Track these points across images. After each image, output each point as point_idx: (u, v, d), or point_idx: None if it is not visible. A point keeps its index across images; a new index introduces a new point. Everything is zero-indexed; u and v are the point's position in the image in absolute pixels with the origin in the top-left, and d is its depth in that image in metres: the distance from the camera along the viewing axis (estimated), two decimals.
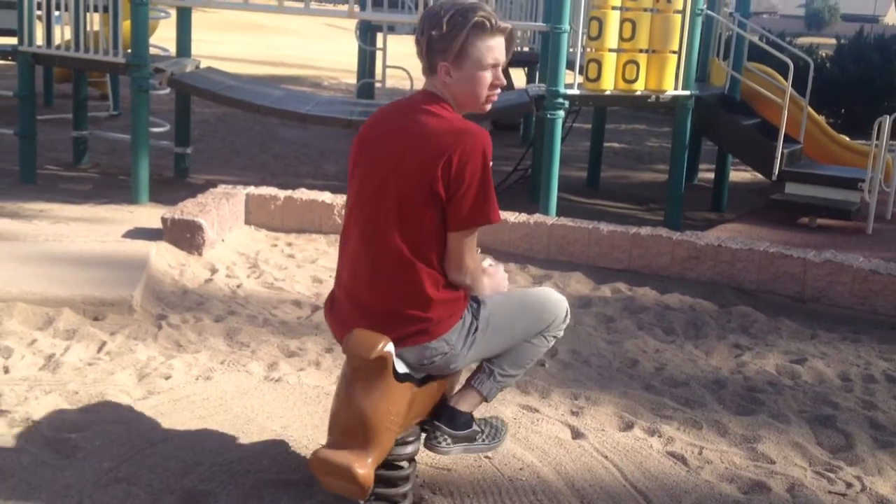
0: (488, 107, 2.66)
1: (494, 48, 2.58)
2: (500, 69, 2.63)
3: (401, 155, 2.54)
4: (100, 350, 3.95)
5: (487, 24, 2.54)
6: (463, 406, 2.87)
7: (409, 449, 2.78)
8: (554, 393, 3.78)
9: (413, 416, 2.72)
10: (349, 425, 2.53)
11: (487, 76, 2.59)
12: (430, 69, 2.61)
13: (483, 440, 2.95)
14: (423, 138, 2.52)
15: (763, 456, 3.33)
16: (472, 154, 2.47)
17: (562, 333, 2.93)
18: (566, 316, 2.90)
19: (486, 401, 2.92)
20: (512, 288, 3.08)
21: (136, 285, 4.58)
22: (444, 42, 2.53)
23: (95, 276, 4.67)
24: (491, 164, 2.52)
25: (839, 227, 7.36)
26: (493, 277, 2.79)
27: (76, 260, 4.93)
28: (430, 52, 2.57)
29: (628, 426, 3.52)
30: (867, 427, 3.63)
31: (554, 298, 2.87)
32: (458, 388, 2.97)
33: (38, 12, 7.62)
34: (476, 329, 2.66)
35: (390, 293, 2.58)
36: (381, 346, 2.48)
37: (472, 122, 2.61)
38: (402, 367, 2.60)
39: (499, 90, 2.64)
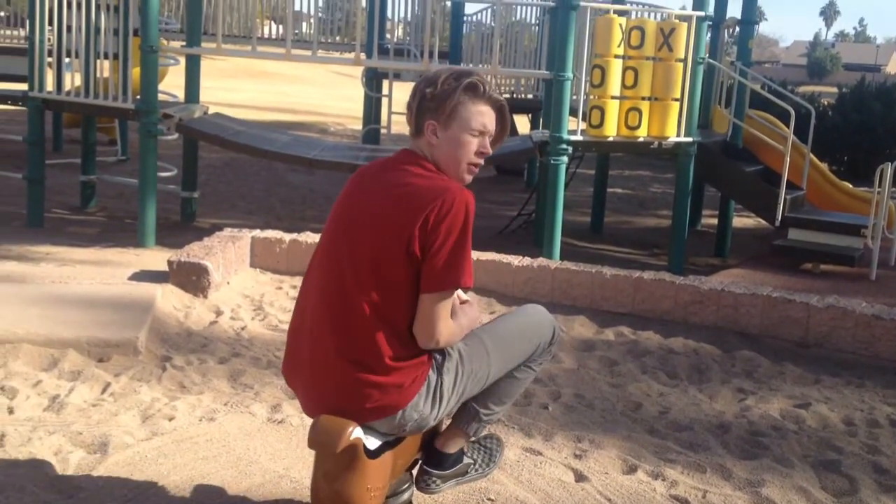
0: (469, 177, 2.59)
1: (484, 114, 2.55)
2: (486, 139, 2.58)
3: (378, 214, 2.46)
4: (104, 391, 3.96)
5: (480, 88, 2.54)
6: (450, 448, 2.82)
7: (404, 497, 2.77)
8: (557, 436, 3.77)
9: (399, 469, 2.67)
10: None
11: (473, 142, 2.54)
12: (416, 130, 2.56)
13: (476, 469, 2.89)
14: (403, 197, 2.44)
15: (767, 500, 3.32)
16: (450, 212, 2.38)
17: (550, 357, 2.82)
18: (553, 337, 2.77)
19: (474, 438, 2.86)
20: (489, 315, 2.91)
21: (142, 327, 4.60)
22: (435, 101, 2.52)
23: (101, 318, 4.69)
24: (471, 223, 2.42)
25: (842, 272, 7.37)
26: (467, 316, 2.66)
27: (82, 302, 4.95)
28: (420, 112, 2.54)
29: (632, 469, 3.51)
30: (871, 472, 3.61)
31: (536, 322, 2.76)
32: (444, 425, 2.88)
33: (49, 59, 7.75)
34: (442, 384, 2.53)
35: (352, 361, 2.45)
36: (346, 434, 2.38)
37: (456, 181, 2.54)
38: (374, 443, 2.48)
39: (482, 161, 2.59)
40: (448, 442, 2.81)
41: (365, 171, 2.65)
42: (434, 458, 2.81)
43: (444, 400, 2.56)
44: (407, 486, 2.78)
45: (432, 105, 2.52)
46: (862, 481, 3.50)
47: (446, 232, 2.38)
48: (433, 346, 2.49)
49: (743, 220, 10.48)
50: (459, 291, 2.69)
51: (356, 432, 2.41)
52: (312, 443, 2.42)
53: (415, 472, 2.87)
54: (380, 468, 2.49)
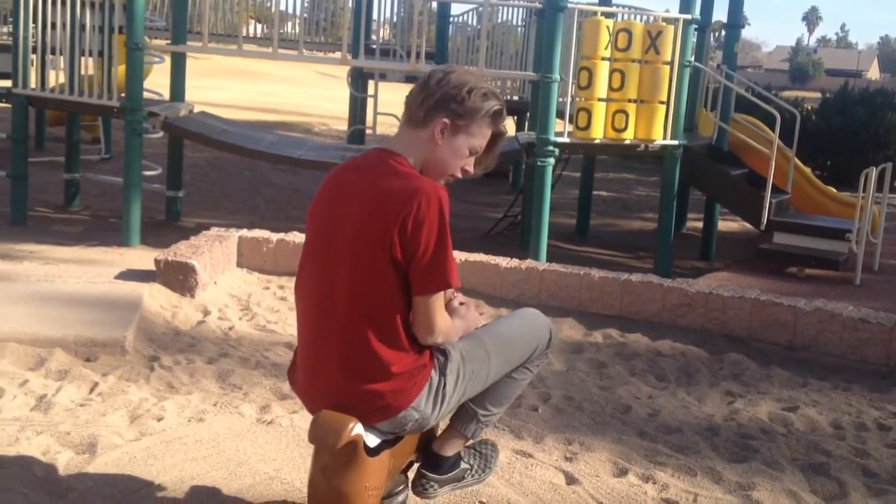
0: (446, 181, 2.61)
1: (486, 138, 2.60)
2: (473, 161, 2.61)
3: (357, 223, 2.43)
4: (92, 391, 3.92)
5: (500, 117, 2.60)
6: (448, 451, 2.81)
7: (399, 499, 2.75)
8: (547, 438, 3.77)
9: (396, 468, 2.67)
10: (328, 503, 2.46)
11: (468, 159, 2.59)
12: (424, 120, 2.52)
13: (472, 474, 2.88)
14: (378, 202, 2.40)
15: (757, 503, 3.33)
16: (428, 214, 2.36)
17: (547, 359, 2.82)
18: (550, 340, 2.79)
19: (472, 440, 2.86)
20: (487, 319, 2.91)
21: (129, 326, 4.57)
22: (464, 106, 2.51)
23: (88, 317, 4.65)
24: (447, 220, 2.40)
25: (827, 277, 7.41)
26: (465, 318, 2.67)
27: (68, 300, 4.91)
28: (438, 106, 2.51)
29: (622, 472, 3.50)
30: (860, 475, 3.63)
31: (534, 326, 2.77)
32: (441, 426, 2.88)
33: (32, 56, 7.67)
34: (444, 385, 2.54)
35: (349, 369, 2.45)
36: (347, 430, 2.38)
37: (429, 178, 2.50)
38: (373, 441, 2.49)
39: (461, 176, 2.60)
40: (445, 444, 2.81)
41: (338, 173, 2.59)
42: (431, 461, 2.80)
43: (446, 400, 2.56)
44: (402, 487, 2.77)
45: (459, 109, 2.51)
46: (851, 485, 3.51)
47: (427, 235, 2.36)
48: (433, 340, 2.49)
49: (728, 224, 10.53)
50: (458, 298, 2.72)
51: (357, 429, 2.40)
52: (313, 437, 2.41)
53: (411, 474, 2.86)
54: (378, 466, 2.49)
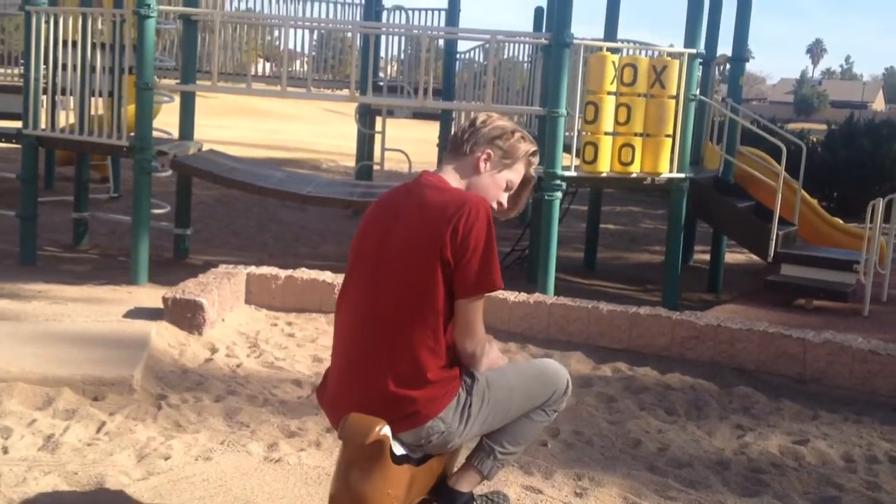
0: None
1: (521, 175, 2.83)
2: (506, 196, 2.84)
3: (409, 231, 2.57)
4: (99, 430, 3.92)
5: (535, 158, 2.86)
6: (463, 486, 2.85)
7: None
8: (557, 473, 3.74)
9: (413, 496, 2.70)
10: None
11: (504, 189, 2.81)
12: (469, 151, 2.74)
13: None
14: (429, 211, 2.57)
15: None
16: (477, 219, 2.52)
17: (563, 406, 2.91)
18: (567, 388, 2.88)
19: (487, 479, 2.91)
20: (510, 361, 3.06)
21: (137, 365, 4.57)
22: (508, 143, 2.77)
23: (95, 356, 4.66)
24: (493, 228, 2.57)
25: (835, 308, 7.38)
26: (488, 355, 2.75)
27: (76, 339, 4.92)
28: (486, 140, 2.75)
29: None
30: None
31: (553, 371, 2.86)
32: (457, 466, 2.95)
33: (42, 96, 7.75)
34: (470, 405, 2.63)
35: (387, 374, 2.54)
36: (377, 430, 2.43)
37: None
38: (399, 450, 2.55)
39: (493, 207, 2.77)
40: (461, 479, 2.86)
41: (383, 200, 2.75)
42: (446, 495, 2.84)
43: (471, 420, 2.64)
44: None
45: (501, 144, 2.77)
46: None
47: (475, 239, 2.51)
48: (473, 347, 2.61)
49: (735, 256, 10.51)
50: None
51: (385, 430, 2.46)
52: (342, 435, 2.47)
53: None
54: (401, 476, 2.54)
